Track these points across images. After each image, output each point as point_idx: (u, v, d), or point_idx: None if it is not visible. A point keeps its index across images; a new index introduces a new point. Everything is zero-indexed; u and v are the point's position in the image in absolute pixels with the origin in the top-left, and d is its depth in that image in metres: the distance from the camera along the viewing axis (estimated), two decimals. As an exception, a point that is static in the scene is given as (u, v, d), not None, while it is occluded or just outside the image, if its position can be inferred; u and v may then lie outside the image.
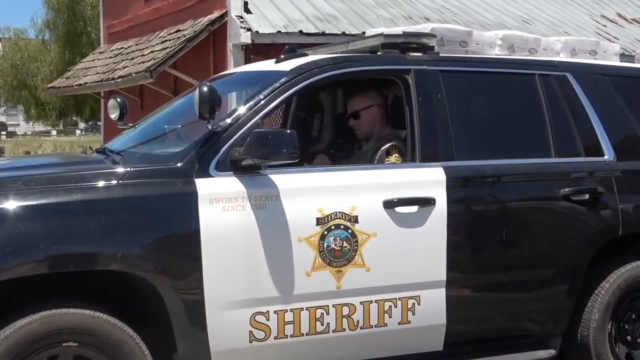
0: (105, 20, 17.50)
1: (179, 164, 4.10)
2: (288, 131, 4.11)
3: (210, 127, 4.11)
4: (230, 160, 4.13)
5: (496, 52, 5.32)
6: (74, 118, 46.77)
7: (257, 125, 4.24)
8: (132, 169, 4.06)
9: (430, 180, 4.50)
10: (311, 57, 4.72)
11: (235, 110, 4.29)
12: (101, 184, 3.96)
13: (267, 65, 4.96)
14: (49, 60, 33.92)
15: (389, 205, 4.34)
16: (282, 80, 4.39)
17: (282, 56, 4.80)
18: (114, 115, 5.29)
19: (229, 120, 4.21)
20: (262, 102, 4.30)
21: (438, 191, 4.47)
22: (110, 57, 15.47)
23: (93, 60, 16.62)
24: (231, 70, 5.94)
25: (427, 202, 4.44)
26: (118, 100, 5.25)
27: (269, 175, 4.18)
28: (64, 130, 59.86)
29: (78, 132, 61.13)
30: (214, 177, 4.09)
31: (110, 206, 3.90)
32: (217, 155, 4.12)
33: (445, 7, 14.59)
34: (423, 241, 4.43)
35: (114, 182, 3.98)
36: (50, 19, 33.17)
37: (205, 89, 4.02)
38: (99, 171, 4.10)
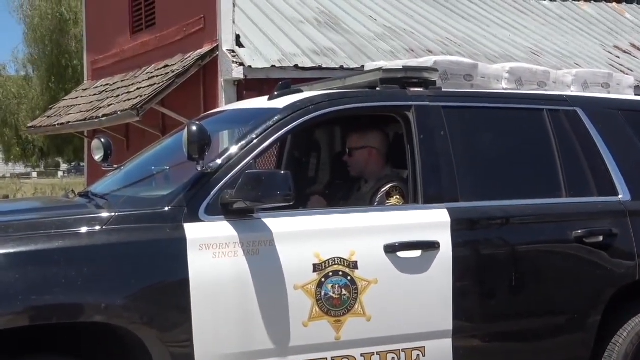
0: (89, 55, 17.53)
1: (166, 208, 4.11)
2: (282, 172, 4.13)
3: (199, 169, 4.12)
4: (221, 203, 4.13)
5: (503, 86, 5.36)
6: (56, 159, 46.81)
7: (249, 166, 4.26)
8: (116, 214, 4.07)
9: (433, 222, 4.51)
10: (306, 94, 4.76)
11: (226, 151, 4.32)
12: (84, 230, 3.96)
13: (260, 102, 4.99)
14: (30, 97, 34.04)
15: (391, 249, 4.35)
16: (276, 118, 4.42)
17: (276, 92, 4.79)
18: (98, 156, 5.31)
19: (219, 161, 4.23)
20: (254, 141, 4.33)
21: (442, 234, 4.48)
22: (95, 94, 15.50)
23: (76, 98, 16.65)
24: (222, 107, 5.95)
25: (430, 246, 4.44)
26: (102, 140, 5.28)
27: (263, 219, 4.18)
28: (45, 172, 59.85)
29: (60, 174, 61.11)
30: (203, 221, 4.10)
31: (94, 254, 3.90)
32: (207, 199, 4.14)
33: (449, 39, 14.69)
34: (427, 288, 4.43)
35: (98, 228, 3.98)
36: (33, 53, 33.35)
37: (194, 128, 4.04)
38: (81, 216, 4.12)
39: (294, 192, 4.06)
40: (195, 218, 4.09)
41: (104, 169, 5.40)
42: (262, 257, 4.11)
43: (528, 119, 5.07)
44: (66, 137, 27.89)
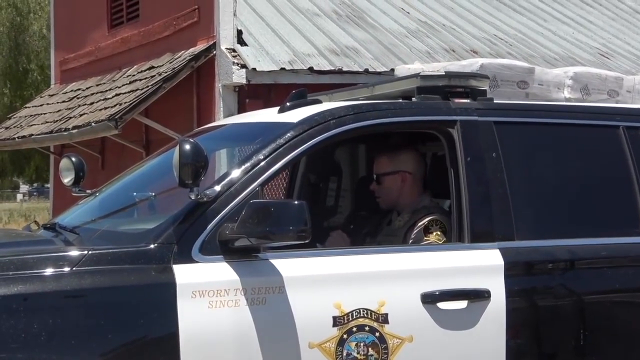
0: (57, 54, 17.66)
1: (151, 246, 4.10)
2: (296, 202, 4.11)
3: (193, 197, 4.10)
4: (219, 240, 4.13)
5: (566, 95, 5.40)
6: (15, 179, 47.03)
7: (255, 195, 4.23)
8: (89, 252, 4.05)
9: (483, 266, 4.50)
10: (326, 105, 4.75)
11: (226, 175, 4.30)
12: (49, 272, 3.94)
13: (268, 115, 4.99)
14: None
15: (429, 299, 4.33)
16: (288, 135, 4.41)
17: (288, 103, 4.79)
18: (67, 179, 5.34)
19: (218, 188, 4.21)
20: (261, 163, 4.32)
21: (494, 281, 4.47)
22: (64, 102, 15.60)
23: (41, 105, 16.77)
24: (221, 121, 5.96)
25: (479, 296, 4.43)
26: (73, 159, 5.30)
27: (271, 260, 4.17)
28: (2, 194, 60.19)
29: (19, 196, 61.44)
30: (198, 262, 4.09)
31: (61, 302, 3.88)
32: (202, 234, 4.12)
33: (498, 37, 14.77)
34: (474, 347, 4.41)
35: (66, 269, 3.96)
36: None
37: (187, 146, 4.02)
38: (46, 255, 4.09)
39: (310, 227, 4.04)
40: (187, 258, 4.08)
41: (74, 194, 5.40)
42: (270, 308, 4.09)
43: (600, 138, 5.08)
44: (27, 152, 28.01)
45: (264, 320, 4.07)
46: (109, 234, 4.51)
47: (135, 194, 5.11)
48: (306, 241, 4.08)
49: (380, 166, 5.23)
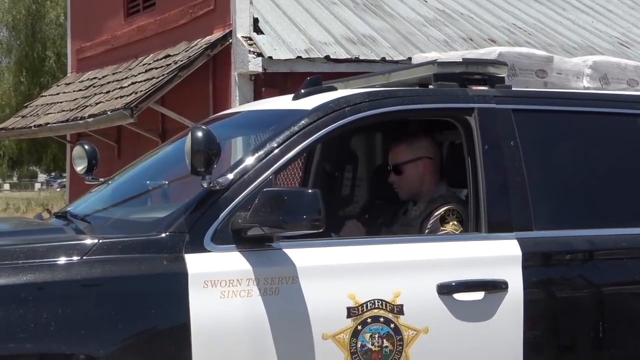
0: (73, 43, 17.77)
1: (163, 235, 4.07)
2: (310, 190, 4.06)
3: (205, 185, 4.06)
4: (232, 229, 4.09)
5: (584, 84, 5.36)
6: (33, 168, 47.26)
7: (268, 183, 4.20)
8: (100, 241, 4.02)
9: (500, 256, 4.46)
10: (341, 92, 4.72)
11: (239, 163, 4.27)
12: (59, 261, 3.91)
13: (283, 102, 4.95)
14: (0, 92, 34.48)
15: (446, 290, 4.30)
16: (303, 122, 4.38)
17: (303, 90, 4.76)
18: (80, 167, 5.33)
19: (231, 176, 4.17)
20: (275, 151, 4.28)
21: (511, 272, 4.42)
22: (80, 90, 15.68)
23: (58, 94, 16.85)
24: (235, 108, 5.94)
25: (496, 287, 4.38)
26: (86, 147, 5.28)
27: (284, 250, 4.14)
28: (20, 183, 60.54)
29: (37, 186, 61.76)
30: (210, 251, 4.06)
31: (71, 291, 3.85)
32: (214, 223, 4.09)
33: (516, 26, 14.76)
34: (491, 339, 4.37)
35: (76, 258, 3.93)
36: (3, 39, 33.83)
37: (199, 134, 3.98)
38: (56, 244, 4.06)
39: (324, 216, 3.99)
40: (199, 247, 4.05)
41: (87, 182, 5.39)
42: (283, 298, 4.06)
43: (621, 127, 5.03)
44: (44, 141, 28.15)
45: (277, 311, 4.04)
46: (121, 222, 4.50)
47: (148, 182, 5.09)
48: (320, 230, 4.03)
49: (398, 155, 5.16)
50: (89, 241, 4.06)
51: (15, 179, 60.12)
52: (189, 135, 4.01)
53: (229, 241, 4.08)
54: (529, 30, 14.67)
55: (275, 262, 4.11)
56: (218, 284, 3.99)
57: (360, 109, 4.48)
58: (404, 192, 5.15)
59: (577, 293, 4.63)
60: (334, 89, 4.85)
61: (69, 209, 5.10)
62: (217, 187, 4.11)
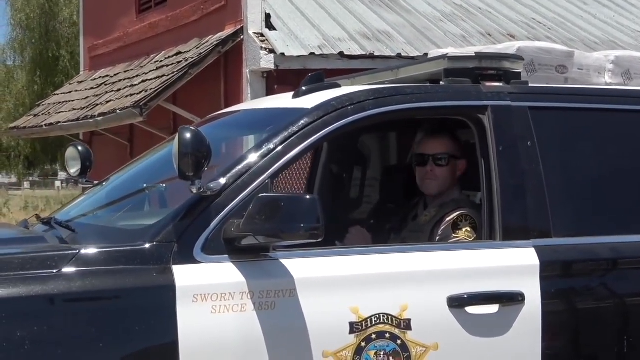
0: (86, 40, 18.18)
1: (148, 245, 3.92)
2: (308, 196, 3.91)
3: (195, 191, 3.91)
4: (224, 238, 3.95)
5: (606, 80, 5.34)
6: (52, 166, 47.61)
7: (264, 188, 4.05)
8: (80, 252, 3.88)
9: (516, 266, 4.34)
10: (344, 89, 4.59)
11: (233, 166, 4.11)
12: (34, 274, 3.73)
13: (283, 100, 4.86)
14: (15, 91, 34.70)
15: (457, 303, 4.18)
16: (302, 122, 4.24)
17: (304, 88, 4.66)
18: (73, 169, 5.22)
19: (223, 181, 4.02)
20: (272, 153, 4.14)
21: (528, 283, 4.30)
22: (92, 88, 16.05)
23: (70, 92, 17.27)
24: (233, 107, 5.81)
25: (512, 299, 4.26)
26: (79, 148, 5.19)
27: (281, 260, 4.00)
28: (43, 182, 61.10)
29: (57, 184, 62.24)
30: (200, 262, 3.92)
31: (47, 308, 3.69)
32: (205, 232, 3.94)
33: (536, 21, 14.84)
34: (507, 356, 4.26)
35: (54, 271, 3.76)
36: (17, 38, 34.00)
37: (187, 135, 3.83)
38: (32, 255, 3.91)
39: (323, 224, 3.83)
40: (188, 258, 3.90)
41: (81, 185, 5.32)
42: (280, 313, 3.93)
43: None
44: (58, 140, 28.36)
45: (273, 327, 3.91)
46: (106, 230, 4.43)
47: (144, 185, 4.92)
48: (319, 240, 3.88)
49: (443, 146, 4.95)
50: (67, 252, 3.90)
51: (36, 177, 60.58)
52: (176, 137, 3.86)
53: (221, 251, 3.94)
54: (548, 24, 14.78)
55: (271, 273, 3.97)
56: (209, 298, 3.85)
57: (365, 107, 4.34)
58: (435, 186, 4.95)
59: (600, 305, 4.51)
60: (338, 86, 4.73)
61: (55, 215, 4.98)
62: (208, 193, 3.98)
